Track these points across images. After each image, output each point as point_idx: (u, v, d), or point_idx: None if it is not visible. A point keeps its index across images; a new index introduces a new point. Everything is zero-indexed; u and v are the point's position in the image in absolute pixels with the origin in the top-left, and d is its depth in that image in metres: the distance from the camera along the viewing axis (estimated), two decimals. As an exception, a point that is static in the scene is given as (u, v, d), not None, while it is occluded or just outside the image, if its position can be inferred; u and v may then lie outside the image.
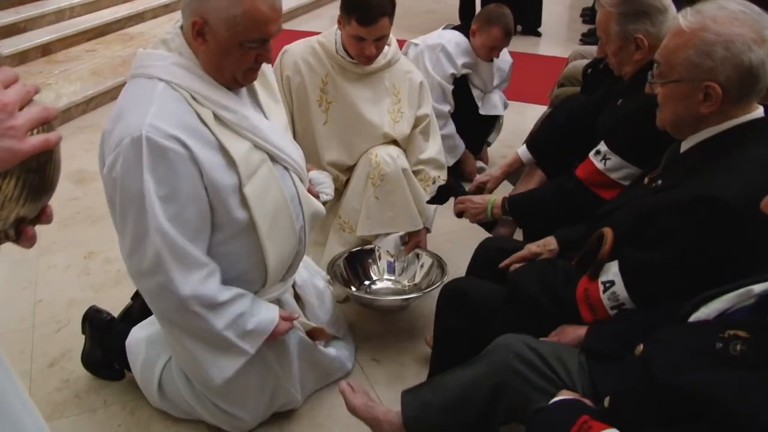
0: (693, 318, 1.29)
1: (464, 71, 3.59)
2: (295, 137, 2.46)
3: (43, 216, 0.84)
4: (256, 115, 1.80)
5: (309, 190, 2.12)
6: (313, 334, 2.15)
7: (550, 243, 1.99)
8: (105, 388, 2.28)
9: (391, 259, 2.68)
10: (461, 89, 3.61)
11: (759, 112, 1.53)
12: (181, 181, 1.61)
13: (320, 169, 2.44)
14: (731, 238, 1.45)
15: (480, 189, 2.66)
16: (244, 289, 1.86)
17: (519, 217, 2.30)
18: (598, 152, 2.08)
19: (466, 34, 3.56)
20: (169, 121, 1.58)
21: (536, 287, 1.78)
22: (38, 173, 0.78)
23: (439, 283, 2.40)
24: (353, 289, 2.55)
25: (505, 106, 3.96)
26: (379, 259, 2.68)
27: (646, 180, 1.74)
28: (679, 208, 1.51)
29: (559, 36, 6.92)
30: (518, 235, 2.63)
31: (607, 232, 1.67)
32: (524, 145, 2.65)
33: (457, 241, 3.09)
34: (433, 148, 2.71)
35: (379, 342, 2.56)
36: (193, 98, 1.64)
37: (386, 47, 2.52)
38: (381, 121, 2.58)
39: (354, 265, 2.64)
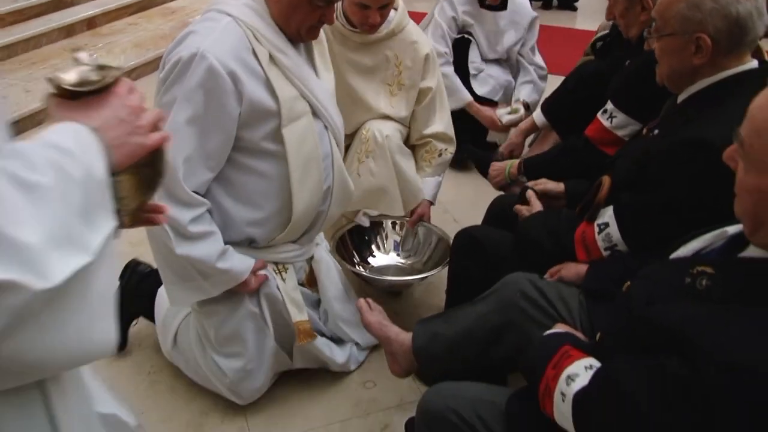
0: (673, 256, 1.36)
1: (464, 19, 3.45)
2: None
3: (157, 209, 1.01)
4: (308, 70, 1.88)
5: None
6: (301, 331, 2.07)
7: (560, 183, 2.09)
8: (139, 333, 2.44)
9: (398, 238, 2.67)
10: (459, 53, 3.47)
11: (753, 63, 1.58)
12: (213, 107, 1.70)
13: None
14: (721, 182, 1.50)
15: (510, 157, 2.79)
16: (264, 230, 1.93)
17: (533, 177, 2.38)
18: (605, 111, 2.15)
19: None
20: (225, 50, 1.69)
21: (541, 232, 1.88)
22: (153, 165, 0.93)
23: (446, 261, 2.36)
24: (360, 269, 2.55)
25: (543, 78, 3.64)
26: (386, 238, 2.66)
27: (644, 131, 1.81)
28: (671, 151, 1.58)
29: (595, 10, 6.84)
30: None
31: (605, 179, 1.75)
32: (539, 109, 2.74)
33: (474, 204, 3.16)
34: (440, 122, 2.58)
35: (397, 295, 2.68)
36: (255, 37, 1.73)
37: (392, 12, 2.42)
38: (378, 94, 2.50)
39: (357, 239, 2.61)
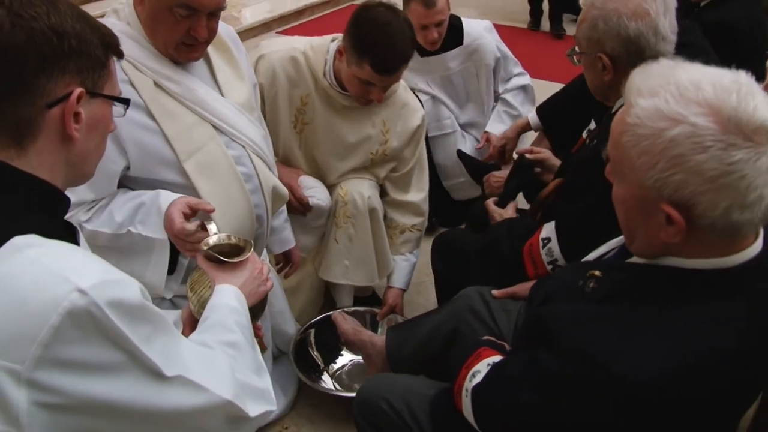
0: (585, 259, 1.44)
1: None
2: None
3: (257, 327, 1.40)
4: (207, 91, 1.70)
5: (297, 195, 2.12)
6: None
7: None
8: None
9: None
10: None
11: None
12: None
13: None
14: None
15: (501, 152, 2.75)
16: None
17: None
18: (589, 130, 2.19)
19: None
20: None
21: (505, 239, 1.91)
22: (262, 302, 1.41)
23: None
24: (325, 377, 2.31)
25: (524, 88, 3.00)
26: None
27: (587, 141, 1.91)
28: (592, 159, 1.63)
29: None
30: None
31: (555, 181, 1.85)
32: (534, 111, 2.72)
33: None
34: (416, 193, 2.38)
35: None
36: (135, 67, 1.57)
37: None
38: (358, 163, 2.27)
39: (321, 339, 2.36)
